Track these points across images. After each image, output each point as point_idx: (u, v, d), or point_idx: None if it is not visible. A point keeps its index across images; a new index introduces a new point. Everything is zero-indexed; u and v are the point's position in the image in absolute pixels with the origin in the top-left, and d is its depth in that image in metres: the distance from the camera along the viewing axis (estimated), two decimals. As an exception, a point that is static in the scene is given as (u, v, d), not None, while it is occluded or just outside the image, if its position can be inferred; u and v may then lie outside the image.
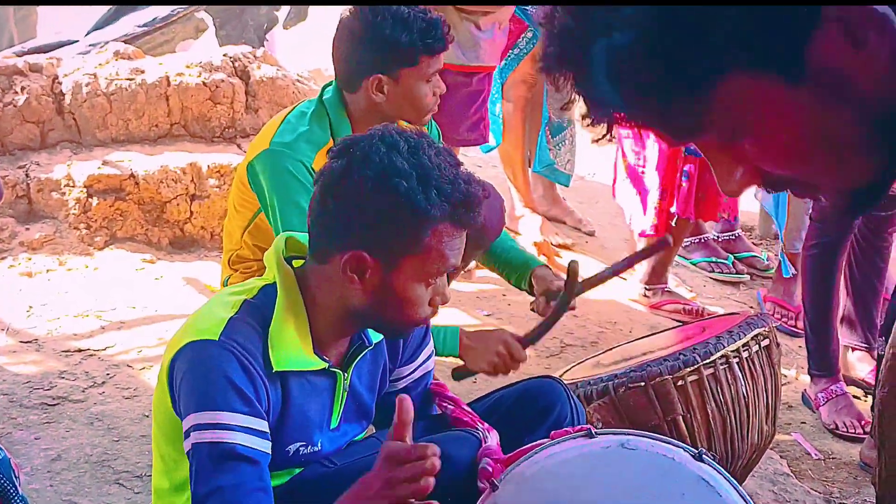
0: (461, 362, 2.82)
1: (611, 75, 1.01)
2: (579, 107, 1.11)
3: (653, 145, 4.07)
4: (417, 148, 1.85)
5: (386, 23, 2.77)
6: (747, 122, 0.99)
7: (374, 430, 2.29)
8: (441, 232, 1.86)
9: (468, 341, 2.77)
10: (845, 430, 3.45)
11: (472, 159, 5.42)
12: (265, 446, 1.85)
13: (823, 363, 3.58)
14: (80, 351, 3.56)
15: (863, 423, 3.43)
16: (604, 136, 1.10)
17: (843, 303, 3.68)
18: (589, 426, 1.89)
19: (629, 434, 1.84)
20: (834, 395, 3.53)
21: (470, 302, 4.13)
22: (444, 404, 2.26)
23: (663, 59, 0.96)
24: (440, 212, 1.84)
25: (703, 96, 0.97)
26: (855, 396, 3.69)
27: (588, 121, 1.08)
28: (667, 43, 0.96)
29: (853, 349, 3.79)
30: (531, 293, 2.99)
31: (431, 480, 1.73)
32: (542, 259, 3.56)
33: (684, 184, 4.05)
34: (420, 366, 2.26)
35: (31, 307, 3.87)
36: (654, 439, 1.82)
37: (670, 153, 4.00)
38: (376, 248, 1.86)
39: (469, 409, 2.20)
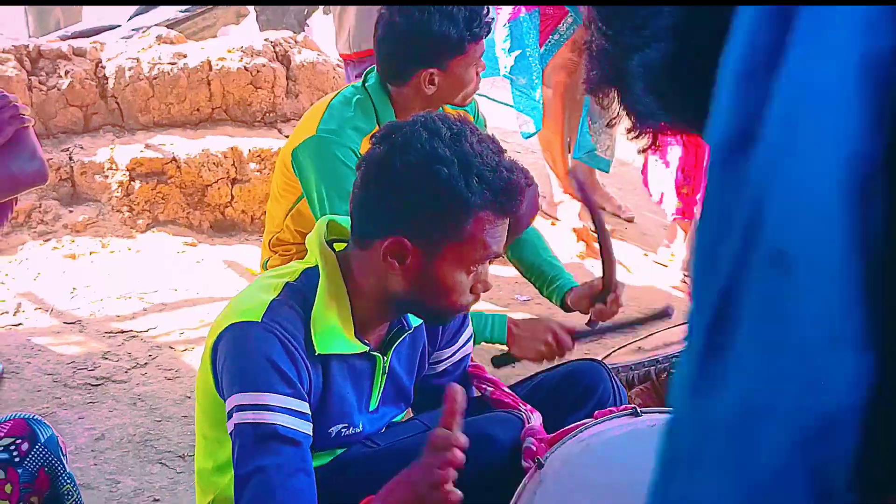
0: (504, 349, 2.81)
1: (649, 88, 1.04)
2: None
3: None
4: (460, 135, 1.83)
5: (433, 19, 2.77)
6: None
7: (413, 413, 2.29)
8: (483, 220, 1.84)
9: (517, 330, 2.75)
10: None
11: (511, 145, 5.40)
12: (307, 427, 1.85)
13: None
14: (122, 332, 3.59)
15: None
16: (648, 146, 1.12)
17: None
18: (634, 405, 1.88)
19: None
20: None
21: (509, 287, 4.12)
22: (483, 386, 2.25)
23: (695, 68, 0.96)
24: (481, 199, 1.82)
25: None
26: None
27: (633, 134, 1.11)
28: (696, 52, 0.96)
29: None
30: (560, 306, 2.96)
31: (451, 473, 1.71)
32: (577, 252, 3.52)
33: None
34: (459, 349, 2.25)
35: (74, 289, 3.91)
36: (699, 419, 1.80)
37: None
38: (417, 235, 1.84)
39: (510, 391, 2.20)
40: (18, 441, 1.76)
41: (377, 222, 1.87)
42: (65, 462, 1.82)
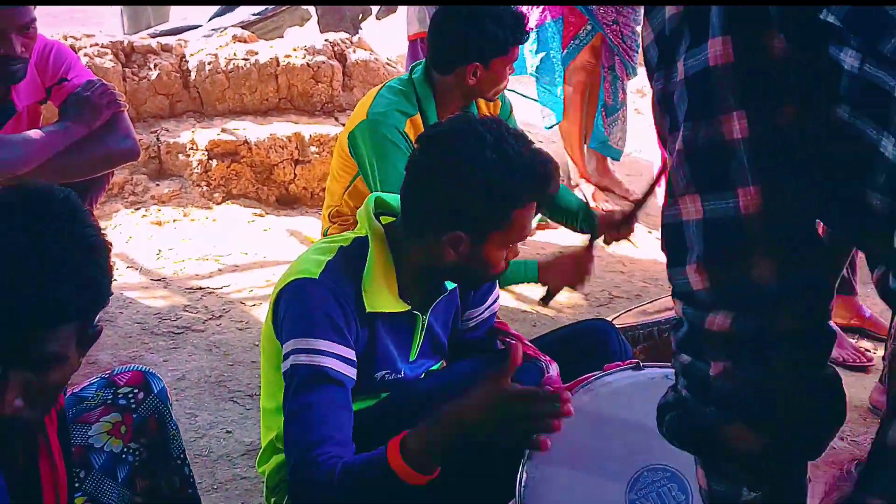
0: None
1: None
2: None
3: None
4: (500, 138, 1.80)
5: (486, 20, 2.79)
6: None
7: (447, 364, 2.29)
8: (523, 209, 1.84)
9: (545, 265, 2.81)
10: (852, 361, 3.34)
11: (535, 135, 5.37)
12: (351, 372, 1.84)
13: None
14: (200, 289, 3.61)
15: (861, 354, 3.34)
16: None
17: None
18: (637, 360, 1.88)
19: (672, 367, 1.82)
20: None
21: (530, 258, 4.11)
22: (508, 340, 2.24)
23: None
24: (525, 195, 1.82)
25: None
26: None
27: None
28: None
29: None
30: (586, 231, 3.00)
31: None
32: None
33: None
34: (487, 308, 2.24)
35: (160, 251, 3.93)
36: (693, 372, 1.80)
37: None
38: (469, 228, 1.83)
39: (531, 345, 2.19)
40: (135, 391, 1.76)
41: (434, 220, 1.85)
42: (171, 410, 1.83)
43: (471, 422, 1.66)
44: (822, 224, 1.12)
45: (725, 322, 1.07)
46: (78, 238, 1.32)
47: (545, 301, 2.89)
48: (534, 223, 4.26)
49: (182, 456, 1.84)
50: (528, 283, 2.85)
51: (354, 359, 1.86)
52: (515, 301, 3.58)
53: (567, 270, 2.78)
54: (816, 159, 1.04)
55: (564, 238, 4.06)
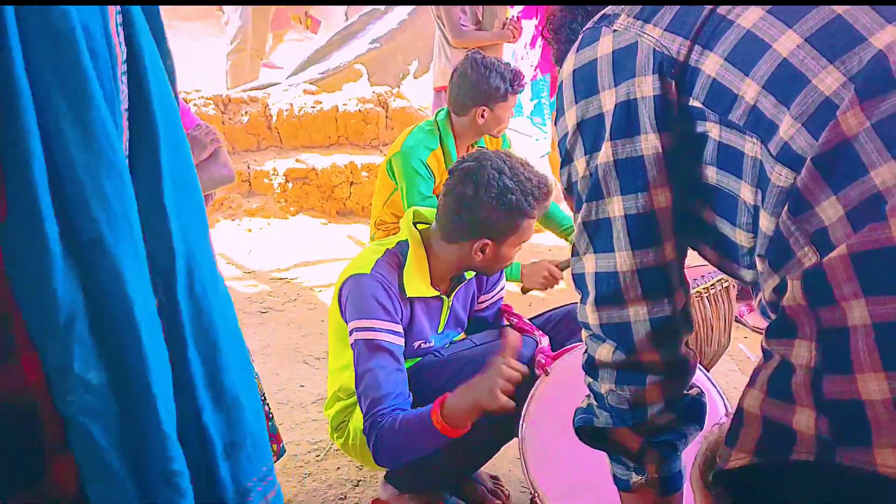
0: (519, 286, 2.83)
1: None
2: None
3: None
4: (514, 169, 1.83)
5: (491, 74, 2.79)
6: None
7: (466, 335, 2.29)
8: (531, 218, 1.86)
9: (525, 270, 2.76)
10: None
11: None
12: (400, 342, 1.85)
13: (745, 291, 3.50)
14: (280, 279, 3.62)
15: None
16: None
17: None
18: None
19: None
20: (752, 309, 3.46)
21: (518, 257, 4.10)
22: (511, 318, 2.24)
23: None
24: (532, 209, 1.84)
25: None
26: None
27: None
28: None
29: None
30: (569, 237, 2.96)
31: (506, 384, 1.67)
32: None
33: None
34: (497, 293, 2.24)
35: (250, 250, 3.95)
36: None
37: None
38: (493, 235, 1.86)
39: (528, 322, 2.19)
40: None
41: (467, 231, 1.87)
42: (252, 363, 1.83)
43: (478, 389, 1.69)
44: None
45: (609, 354, 1.11)
46: None
47: (525, 291, 2.89)
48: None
49: (262, 396, 1.85)
50: (513, 280, 2.81)
51: (401, 332, 1.87)
52: (517, 288, 3.57)
53: (539, 277, 2.74)
54: (688, 222, 1.07)
55: (550, 239, 4.05)
